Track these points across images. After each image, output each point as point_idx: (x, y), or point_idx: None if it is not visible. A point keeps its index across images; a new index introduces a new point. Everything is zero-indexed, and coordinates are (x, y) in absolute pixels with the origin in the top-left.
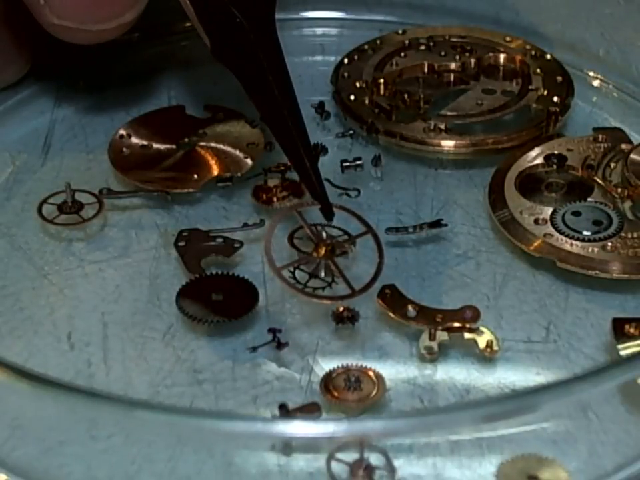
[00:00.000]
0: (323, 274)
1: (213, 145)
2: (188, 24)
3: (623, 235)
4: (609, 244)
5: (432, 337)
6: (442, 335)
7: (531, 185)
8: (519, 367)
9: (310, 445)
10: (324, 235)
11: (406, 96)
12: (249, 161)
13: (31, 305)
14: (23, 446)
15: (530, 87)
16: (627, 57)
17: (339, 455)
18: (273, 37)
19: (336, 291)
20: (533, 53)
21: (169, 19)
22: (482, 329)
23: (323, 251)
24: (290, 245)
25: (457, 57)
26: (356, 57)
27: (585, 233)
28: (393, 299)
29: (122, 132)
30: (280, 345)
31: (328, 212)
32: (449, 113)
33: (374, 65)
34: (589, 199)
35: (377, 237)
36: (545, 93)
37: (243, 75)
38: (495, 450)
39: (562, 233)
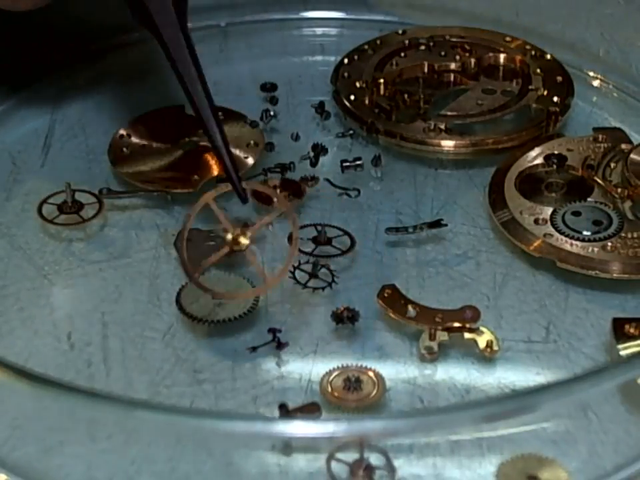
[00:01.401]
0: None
1: None
2: (188, 24)
3: (623, 235)
4: (609, 244)
5: (432, 337)
6: (442, 335)
7: (530, 184)
8: (519, 367)
9: (310, 445)
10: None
11: (406, 96)
12: (249, 161)
13: (30, 305)
14: (23, 446)
15: (530, 87)
16: (627, 57)
17: (339, 455)
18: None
19: (336, 291)
20: (533, 53)
21: None
22: (482, 329)
23: (231, 236)
24: (290, 244)
25: (457, 57)
26: (356, 57)
27: (585, 233)
28: (393, 298)
29: (122, 132)
30: (280, 345)
31: (240, 194)
32: (449, 113)
33: (374, 65)
34: (589, 199)
35: (294, 218)
36: (545, 93)
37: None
38: (495, 450)
39: (562, 233)
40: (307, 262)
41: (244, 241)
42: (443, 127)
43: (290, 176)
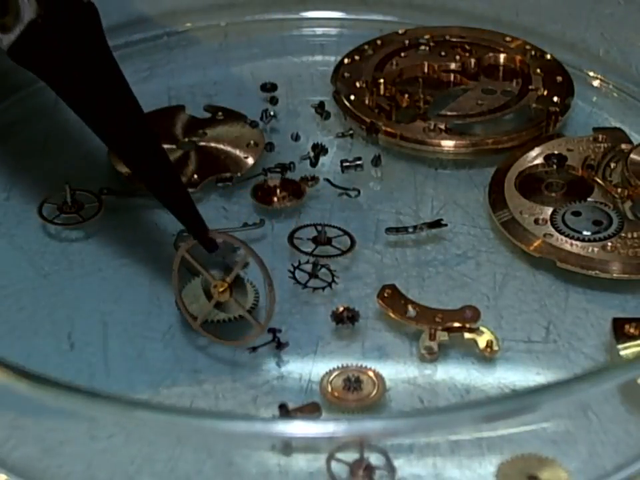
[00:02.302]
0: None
1: (213, 144)
2: (188, 24)
3: (622, 235)
4: (609, 244)
5: (432, 337)
6: (442, 335)
7: (530, 184)
8: (519, 367)
9: (310, 445)
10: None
11: (406, 96)
12: (249, 161)
13: (30, 305)
14: (23, 446)
15: (530, 87)
16: (626, 57)
17: (339, 455)
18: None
19: (336, 291)
20: (533, 53)
21: (168, 22)
22: (482, 328)
23: (222, 290)
24: (290, 245)
25: (457, 57)
26: (356, 57)
27: (585, 232)
28: (393, 299)
29: None
30: (280, 345)
31: (205, 243)
32: (449, 113)
33: (374, 65)
34: (589, 199)
35: (262, 262)
36: (545, 93)
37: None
38: (494, 450)
39: (562, 233)
40: (307, 262)
41: (223, 292)
42: (442, 127)
43: (290, 176)
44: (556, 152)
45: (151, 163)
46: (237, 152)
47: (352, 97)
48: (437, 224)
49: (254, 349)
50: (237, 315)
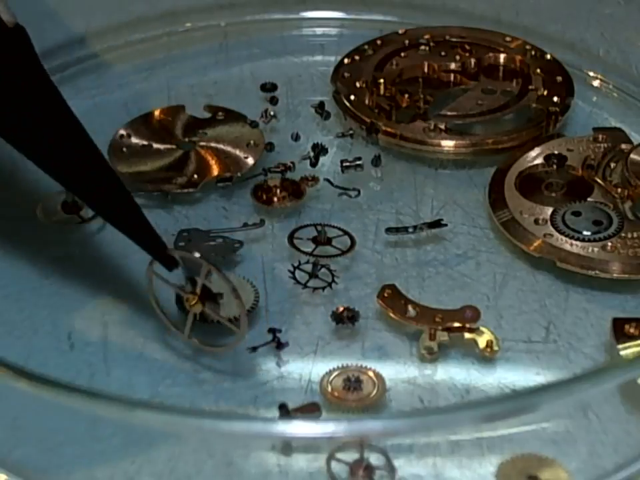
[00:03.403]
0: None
1: (213, 144)
2: (188, 24)
3: (622, 235)
4: (609, 244)
5: (432, 337)
6: (442, 335)
7: (530, 184)
8: (519, 367)
9: (310, 445)
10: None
11: (406, 96)
12: (249, 161)
13: (30, 305)
14: (23, 446)
15: (530, 87)
16: (627, 57)
17: (339, 455)
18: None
19: (336, 291)
20: (533, 53)
21: (168, 22)
22: (482, 329)
23: (194, 302)
24: (290, 245)
25: (457, 57)
26: (356, 57)
27: (585, 233)
28: (393, 299)
29: (122, 132)
30: (280, 345)
31: (164, 261)
32: (449, 113)
33: (374, 65)
34: (589, 199)
35: (224, 275)
36: (545, 93)
37: None
38: (494, 450)
39: (562, 233)
40: (307, 262)
41: (195, 304)
42: (443, 127)
43: (290, 176)
44: (556, 152)
45: (99, 186)
46: (237, 152)
47: (352, 97)
48: (437, 224)
49: (254, 348)
50: (235, 316)
